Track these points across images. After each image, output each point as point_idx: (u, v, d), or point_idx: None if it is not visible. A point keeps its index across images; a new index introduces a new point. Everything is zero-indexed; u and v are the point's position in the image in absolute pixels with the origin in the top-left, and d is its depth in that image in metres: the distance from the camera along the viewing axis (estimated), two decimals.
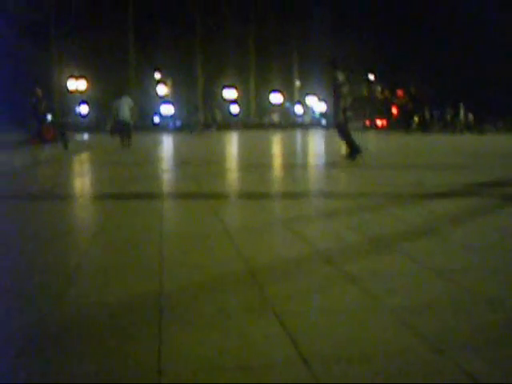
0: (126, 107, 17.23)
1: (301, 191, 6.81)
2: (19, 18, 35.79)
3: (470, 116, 36.48)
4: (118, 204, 5.74)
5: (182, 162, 12.62)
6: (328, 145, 20.39)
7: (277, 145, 21.96)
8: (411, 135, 28.69)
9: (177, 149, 19.48)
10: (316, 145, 21.79)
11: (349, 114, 10.34)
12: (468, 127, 35.40)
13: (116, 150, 15.61)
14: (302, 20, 54.97)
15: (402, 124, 38.88)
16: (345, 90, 10.25)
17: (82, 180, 9.09)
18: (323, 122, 54.18)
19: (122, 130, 17.39)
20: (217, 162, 11.94)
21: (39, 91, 16.96)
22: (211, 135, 31.24)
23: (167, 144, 23.26)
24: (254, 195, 6.28)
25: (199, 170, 10.04)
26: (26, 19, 36.60)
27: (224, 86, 53.45)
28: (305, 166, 11.36)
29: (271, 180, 8.49)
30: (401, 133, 32.52)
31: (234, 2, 52.24)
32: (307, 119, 59.12)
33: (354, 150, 10.29)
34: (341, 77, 10.26)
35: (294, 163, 11.86)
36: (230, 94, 53.43)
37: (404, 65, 49.77)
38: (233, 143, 21.95)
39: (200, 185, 7.62)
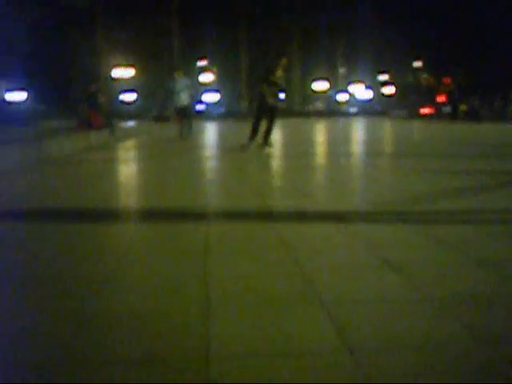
0: (185, 90, 15.01)
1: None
2: (65, 6, 36.41)
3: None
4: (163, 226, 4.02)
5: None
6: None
7: (327, 132, 21.81)
8: (457, 124, 28.03)
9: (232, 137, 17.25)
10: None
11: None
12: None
13: (170, 140, 14.61)
14: (347, 6, 54.21)
15: (448, 112, 38.04)
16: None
17: (123, 189, 6.58)
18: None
19: (182, 118, 15.29)
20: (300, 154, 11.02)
21: (97, 85, 17.01)
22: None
23: (219, 131, 23.33)
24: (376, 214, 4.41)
25: (280, 163, 9.34)
26: (72, 8, 37.22)
27: None
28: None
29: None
30: (447, 121, 31.83)
31: None
32: (351, 107, 58.45)
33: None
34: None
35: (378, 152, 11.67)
36: None
37: (452, 51, 48.59)
38: (289, 131, 21.72)
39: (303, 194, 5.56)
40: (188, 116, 15.25)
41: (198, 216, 4.32)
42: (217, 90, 52.27)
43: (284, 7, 52.19)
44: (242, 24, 52.09)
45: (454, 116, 35.06)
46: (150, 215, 4.53)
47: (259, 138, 10.74)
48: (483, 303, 2.33)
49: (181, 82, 15.13)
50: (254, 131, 10.47)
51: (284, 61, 10.63)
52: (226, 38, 51.02)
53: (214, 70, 52.96)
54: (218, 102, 52.70)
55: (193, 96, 15.72)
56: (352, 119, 39.90)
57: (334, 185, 6.48)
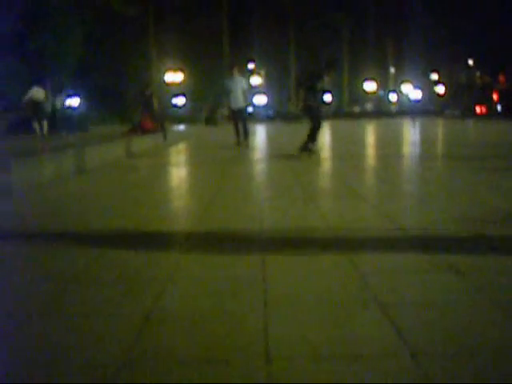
0: (239, 91, 13.55)
1: None
2: (117, 13, 37.23)
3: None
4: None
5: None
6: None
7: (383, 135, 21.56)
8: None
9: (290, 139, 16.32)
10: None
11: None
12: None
13: (227, 147, 13.24)
14: (397, 6, 53.54)
15: (504, 111, 37.02)
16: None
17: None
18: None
19: (237, 122, 13.70)
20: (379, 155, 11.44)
21: (150, 90, 17.13)
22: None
23: (274, 135, 23.08)
24: None
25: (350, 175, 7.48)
26: (124, 14, 38.04)
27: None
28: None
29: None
30: (502, 120, 30.94)
31: None
32: (402, 107, 57.66)
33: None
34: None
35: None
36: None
37: (506, 48, 47.29)
38: (342, 133, 21.64)
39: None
40: (244, 119, 13.73)
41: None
42: (264, 93, 52.61)
43: (332, 7, 51.93)
44: (291, 25, 52.13)
45: (509, 114, 34.08)
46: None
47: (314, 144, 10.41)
48: None
49: (238, 80, 13.77)
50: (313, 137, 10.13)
51: (332, 74, 10.40)
52: (275, 40, 51.19)
53: (262, 72, 53.23)
54: (266, 104, 53.18)
55: (247, 98, 14.11)
56: (404, 120, 39.27)
57: (410, 200, 5.50)
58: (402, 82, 58.01)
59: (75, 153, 8.78)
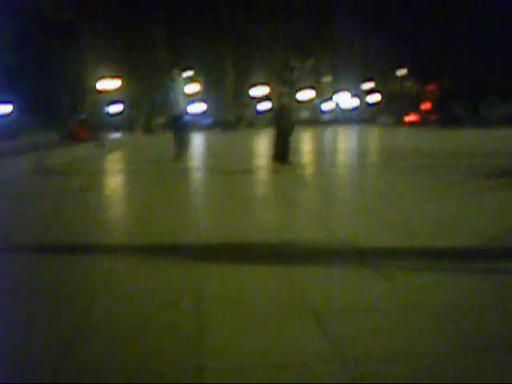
0: (180, 95, 11.76)
1: None
2: (50, 18, 36.38)
3: (506, 109, 35.59)
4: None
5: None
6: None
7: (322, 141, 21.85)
8: (443, 130, 28.21)
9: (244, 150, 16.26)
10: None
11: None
12: (504, 121, 34.68)
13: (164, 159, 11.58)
14: (332, 16, 54.68)
15: (435, 119, 38.33)
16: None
17: None
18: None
19: (178, 132, 11.68)
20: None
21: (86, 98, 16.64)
22: (255, 132, 31.31)
23: (215, 145, 22.88)
24: None
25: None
26: (57, 19, 37.20)
27: (251, 85, 53.76)
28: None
29: None
30: (433, 128, 32.05)
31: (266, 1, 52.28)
32: (336, 115, 58.85)
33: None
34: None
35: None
36: (258, 91, 53.60)
37: (437, 59, 49.10)
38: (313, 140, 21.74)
39: None
40: (185, 128, 11.77)
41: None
42: (203, 101, 52.40)
43: (269, 16, 52.47)
44: (228, 35, 52.32)
45: (441, 123, 35.28)
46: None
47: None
48: None
49: (178, 84, 11.95)
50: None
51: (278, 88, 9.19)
52: (211, 50, 51.24)
53: (201, 80, 53.09)
54: (205, 112, 52.92)
55: (186, 103, 12.25)
56: (338, 128, 40.05)
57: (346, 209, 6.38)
58: (338, 90, 59.20)
59: None
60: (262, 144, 17.55)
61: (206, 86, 54.07)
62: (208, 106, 53.38)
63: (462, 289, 2.61)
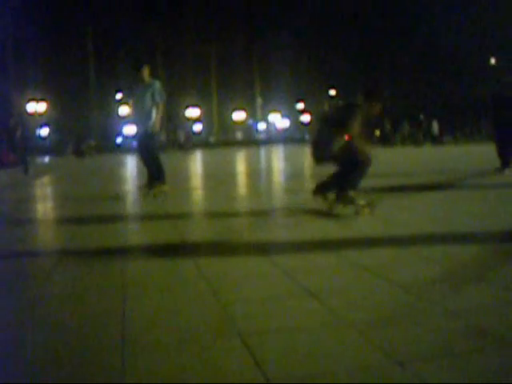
0: (148, 104, 8.39)
1: None
2: None
3: (434, 128, 37.02)
4: None
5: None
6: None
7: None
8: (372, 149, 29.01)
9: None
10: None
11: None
12: (431, 139, 36.06)
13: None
14: (262, 37, 55.58)
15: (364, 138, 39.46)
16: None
17: None
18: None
19: (151, 155, 8.53)
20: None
21: (14, 120, 15.73)
22: (196, 153, 31.12)
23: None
24: None
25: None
26: None
27: (187, 106, 53.73)
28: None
29: None
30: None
31: (194, 21, 52.59)
32: (270, 135, 59.62)
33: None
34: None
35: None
36: (192, 113, 53.67)
37: (365, 79, 50.73)
38: (243, 160, 21.81)
39: None
40: (151, 149, 8.57)
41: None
42: (135, 123, 51.86)
43: (201, 37, 52.80)
44: (159, 56, 52.19)
45: (369, 141, 36.34)
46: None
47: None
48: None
49: (147, 89, 8.47)
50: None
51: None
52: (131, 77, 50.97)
53: (131, 102, 52.55)
54: (136, 134, 52.26)
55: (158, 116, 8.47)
56: (272, 147, 40.53)
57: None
58: (271, 111, 60.04)
59: None
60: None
61: None
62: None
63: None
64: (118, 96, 51.61)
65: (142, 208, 7.55)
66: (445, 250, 3.83)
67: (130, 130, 51.17)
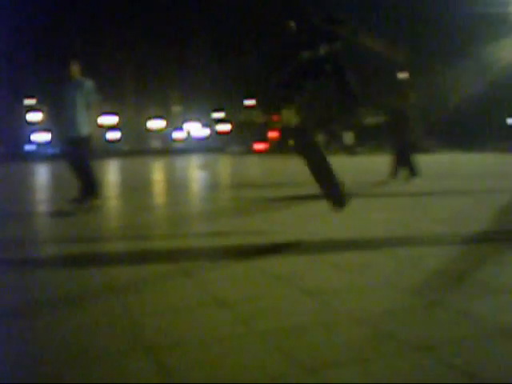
0: (74, 106, 7.33)
1: None
2: None
3: (346, 138, 37.85)
4: None
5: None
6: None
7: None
8: (287, 158, 29.40)
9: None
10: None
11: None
12: (345, 149, 36.93)
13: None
14: (179, 45, 55.34)
15: (282, 147, 39.96)
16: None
17: None
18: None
19: (72, 162, 7.41)
20: None
21: None
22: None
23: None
24: None
25: None
26: None
27: (103, 113, 52.57)
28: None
29: None
30: (279, 156, 33.34)
31: (108, 27, 51.65)
32: (187, 144, 59.35)
33: None
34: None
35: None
36: (106, 120, 52.56)
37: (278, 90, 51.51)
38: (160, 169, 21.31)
39: None
40: (84, 159, 7.40)
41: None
42: (48, 130, 49.98)
43: (115, 45, 51.88)
44: (71, 60, 50.78)
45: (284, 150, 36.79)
46: None
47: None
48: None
49: (78, 88, 7.41)
50: None
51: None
52: (55, 75, 49.43)
53: (44, 108, 50.76)
54: (50, 141, 50.35)
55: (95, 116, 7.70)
56: (189, 156, 40.32)
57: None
58: (189, 119, 59.77)
59: None
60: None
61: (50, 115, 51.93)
62: (53, 135, 51.07)
63: None
64: (28, 102, 49.79)
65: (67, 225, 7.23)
66: (352, 256, 3.94)
67: (41, 136, 49.45)
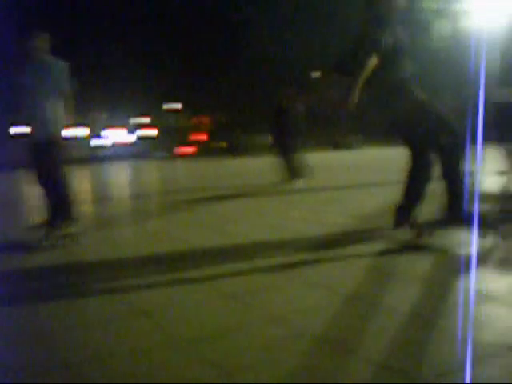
0: (42, 95, 5.24)
1: None
2: None
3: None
4: None
5: None
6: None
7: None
8: (218, 160, 29.33)
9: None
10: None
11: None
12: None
13: None
14: (108, 48, 54.13)
15: (211, 150, 39.95)
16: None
17: None
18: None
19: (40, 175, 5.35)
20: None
21: None
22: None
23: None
24: None
25: None
26: None
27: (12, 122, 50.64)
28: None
29: None
30: (210, 158, 33.19)
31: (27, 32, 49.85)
32: (111, 151, 58.02)
33: None
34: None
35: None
36: (23, 130, 50.76)
37: (207, 92, 51.46)
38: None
39: None
40: (56, 169, 5.38)
41: None
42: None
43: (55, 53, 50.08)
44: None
45: (217, 153, 36.89)
46: None
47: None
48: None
49: (45, 71, 5.33)
50: None
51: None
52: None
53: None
54: None
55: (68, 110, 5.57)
56: (112, 163, 39.39)
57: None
58: (110, 126, 58.42)
59: None
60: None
61: None
62: None
63: None
64: None
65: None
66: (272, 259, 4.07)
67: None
